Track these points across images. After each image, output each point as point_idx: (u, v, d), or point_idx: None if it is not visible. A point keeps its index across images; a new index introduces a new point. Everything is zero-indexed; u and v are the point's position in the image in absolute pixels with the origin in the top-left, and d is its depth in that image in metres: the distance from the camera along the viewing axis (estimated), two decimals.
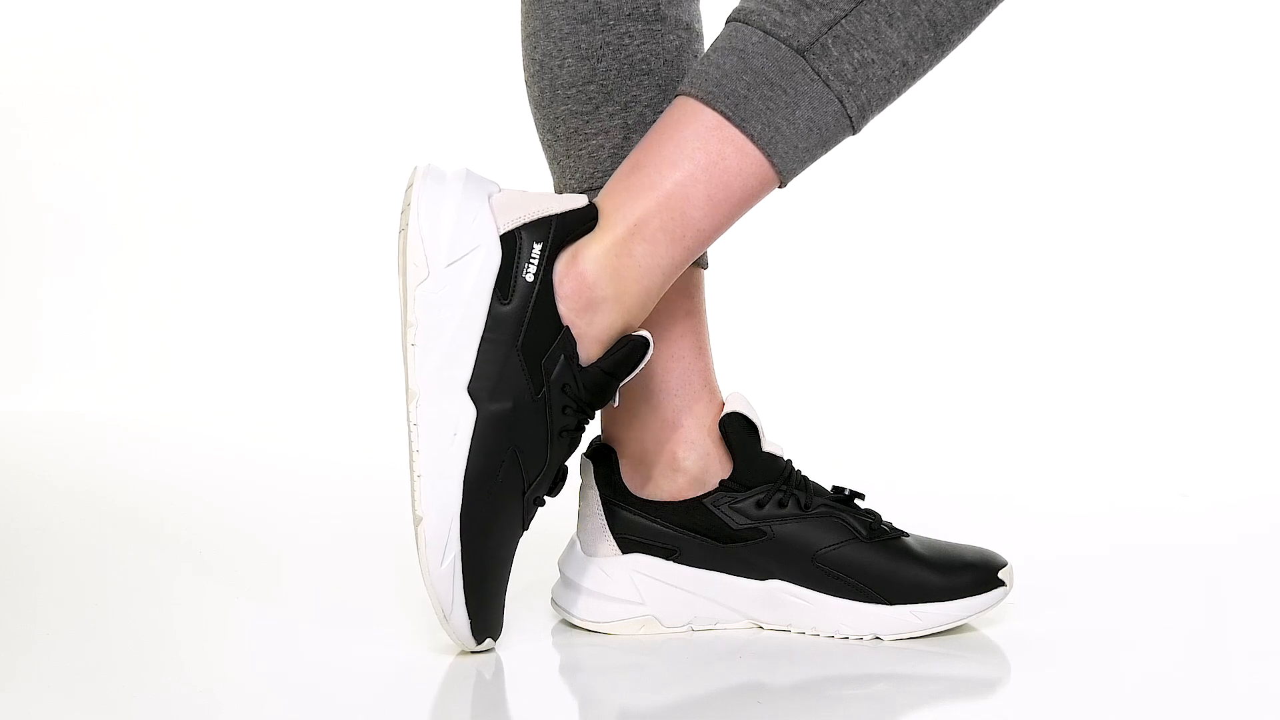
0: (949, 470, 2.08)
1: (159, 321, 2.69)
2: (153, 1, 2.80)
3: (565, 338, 1.20)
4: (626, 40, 1.30)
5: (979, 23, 1.22)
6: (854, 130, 1.21)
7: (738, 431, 1.31)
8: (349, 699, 1.16)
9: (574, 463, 1.36)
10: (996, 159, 2.67)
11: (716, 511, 1.30)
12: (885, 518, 1.32)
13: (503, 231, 1.20)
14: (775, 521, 1.29)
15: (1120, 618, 1.36)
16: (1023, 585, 1.34)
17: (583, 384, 1.20)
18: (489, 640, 1.23)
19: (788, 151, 1.20)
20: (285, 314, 2.67)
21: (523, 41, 1.35)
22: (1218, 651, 1.30)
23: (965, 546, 1.32)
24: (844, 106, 1.19)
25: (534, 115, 1.35)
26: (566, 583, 1.32)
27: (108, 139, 2.77)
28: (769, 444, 1.32)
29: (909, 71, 1.20)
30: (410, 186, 1.20)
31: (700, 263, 1.34)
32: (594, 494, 1.32)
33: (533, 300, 1.19)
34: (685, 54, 1.32)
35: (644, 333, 1.22)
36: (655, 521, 1.30)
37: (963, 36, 1.21)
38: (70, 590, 1.46)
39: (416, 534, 1.17)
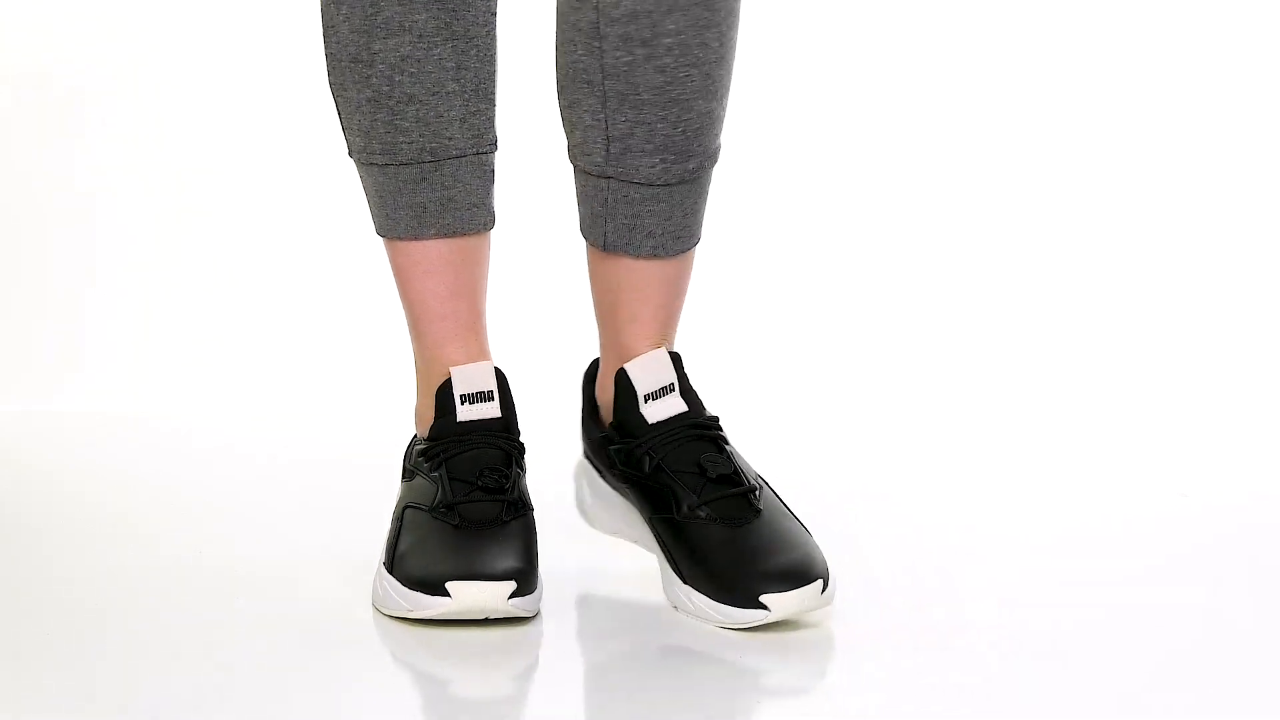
0: (948, 470, 2.08)
1: (159, 321, 2.69)
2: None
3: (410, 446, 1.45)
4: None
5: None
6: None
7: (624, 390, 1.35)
8: (348, 698, 1.17)
9: (537, 455, 1.43)
10: (993, 159, 2.67)
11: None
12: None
13: None
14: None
15: (1119, 618, 1.36)
16: (1020, 585, 1.34)
17: (421, 437, 1.40)
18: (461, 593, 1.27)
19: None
20: (284, 313, 2.67)
21: None
22: (1218, 652, 1.30)
23: (798, 545, 1.29)
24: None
25: None
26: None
27: (108, 137, 2.77)
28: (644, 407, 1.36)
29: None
30: None
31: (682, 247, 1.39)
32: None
33: None
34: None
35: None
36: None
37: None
38: (70, 590, 1.46)
39: None
